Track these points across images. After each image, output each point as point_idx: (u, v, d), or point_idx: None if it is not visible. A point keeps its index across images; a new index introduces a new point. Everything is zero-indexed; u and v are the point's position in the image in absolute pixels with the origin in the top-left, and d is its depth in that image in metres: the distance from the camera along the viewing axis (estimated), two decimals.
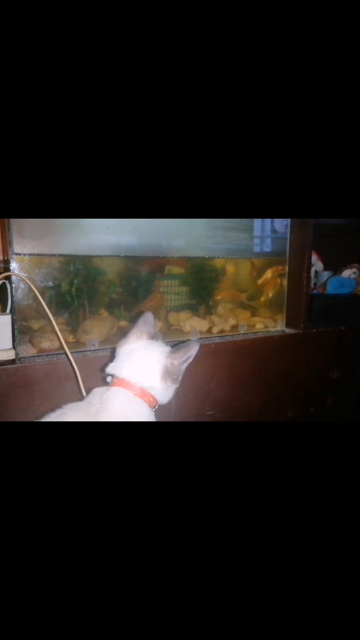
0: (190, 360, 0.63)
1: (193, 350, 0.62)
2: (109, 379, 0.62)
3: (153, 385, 0.60)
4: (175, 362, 0.62)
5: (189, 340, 0.65)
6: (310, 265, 1.13)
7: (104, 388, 0.62)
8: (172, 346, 0.65)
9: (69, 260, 0.86)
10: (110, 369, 0.62)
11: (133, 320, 0.97)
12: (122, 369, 0.60)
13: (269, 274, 1.16)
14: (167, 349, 0.63)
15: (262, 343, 1.06)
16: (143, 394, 0.59)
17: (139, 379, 0.59)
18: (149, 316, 0.67)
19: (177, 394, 0.65)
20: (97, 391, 0.61)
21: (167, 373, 0.61)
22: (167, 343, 0.66)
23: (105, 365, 0.63)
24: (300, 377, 1.15)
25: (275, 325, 1.16)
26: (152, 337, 0.66)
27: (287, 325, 1.17)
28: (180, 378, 0.64)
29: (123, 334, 0.93)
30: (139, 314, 1.00)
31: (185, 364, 0.63)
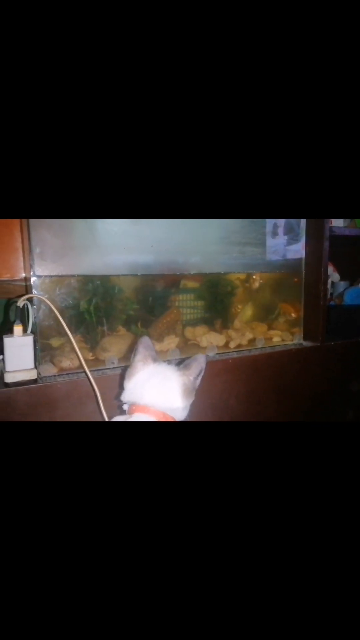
0: (202, 373, 0.64)
1: (202, 363, 0.64)
2: (125, 407, 0.63)
3: (175, 407, 0.61)
4: (191, 378, 0.63)
5: (195, 355, 0.64)
6: (327, 277, 1.12)
7: (123, 417, 0.62)
8: (178, 364, 0.66)
9: (87, 279, 0.88)
10: (128, 397, 0.62)
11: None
12: (143, 396, 0.60)
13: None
14: (176, 367, 0.64)
15: (279, 357, 1.05)
16: (165, 417, 0.60)
17: (161, 403, 0.60)
18: (147, 340, 0.66)
19: (191, 408, 0.65)
20: (118, 420, 0.62)
21: (187, 390, 0.62)
22: (169, 362, 0.66)
23: (119, 394, 0.64)
24: (320, 391, 1.13)
25: (292, 339, 1.15)
26: (155, 359, 0.65)
27: (305, 338, 1.15)
28: (195, 392, 0.65)
29: None
30: (156, 329, 1.02)
31: (200, 378, 0.64)
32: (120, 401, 0.63)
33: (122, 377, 0.66)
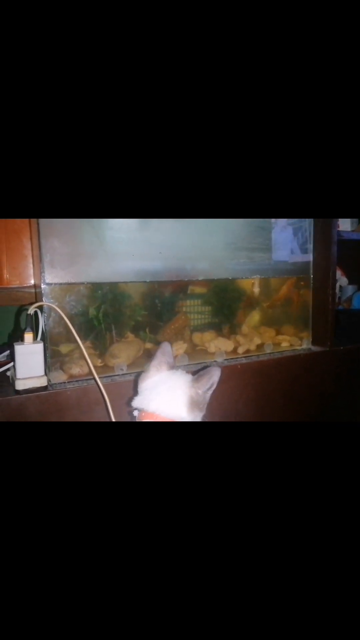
0: (214, 387, 0.63)
1: (215, 376, 0.62)
2: (135, 412, 0.63)
3: (181, 416, 0.60)
4: (200, 392, 0.61)
5: (209, 366, 0.64)
6: (335, 281, 1.12)
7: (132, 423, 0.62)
8: (194, 373, 0.65)
9: (96, 287, 0.89)
10: (137, 403, 0.62)
11: (156, 343, 0.99)
12: (150, 402, 0.60)
13: (284, 289, 1.15)
14: (189, 378, 0.64)
15: (288, 362, 1.05)
16: None
17: (167, 412, 0.60)
18: (166, 347, 0.67)
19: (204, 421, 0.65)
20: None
21: (194, 403, 0.61)
22: (187, 371, 0.66)
23: (130, 399, 0.64)
24: (330, 396, 1.12)
25: (301, 344, 1.14)
26: (172, 367, 0.65)
27: (314, 342, 1.15)
28: (205, 406, 0.64)
29: (149, 356, 0.95)
30: (164, 335, 1.02)
31: (210, 392, 0.63)
32: (131, 407, 0.63)
33: (136, 382, 0.67)
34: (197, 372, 0.65)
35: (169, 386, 0.61)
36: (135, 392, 0.65)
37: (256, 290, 1.14)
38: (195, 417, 0.62)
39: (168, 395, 0.61)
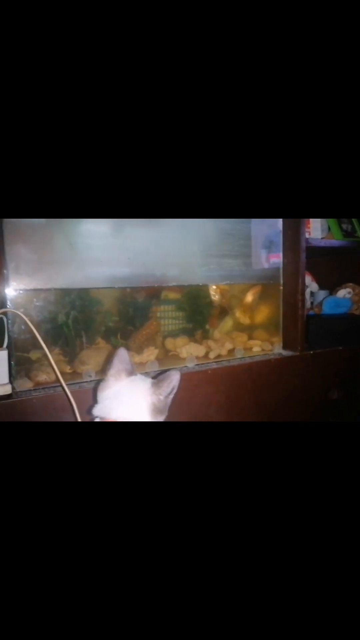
0: (174, 391, 0.63)
1: (175, 380, 0.63)
2: (97, 420, 0.62)
3: None
4: (162, 397, 0.62)
5: (168, 371, 0.64)
6: (304, 287, 1.15)
7: None
8: (154, 377, 0.65)
9: (65, 292, 0.88)
10: (98, 412, 0.61)
11: (128, 349, 0.99)
12: (111, 411, 0.60)
13: (249, 297, 1.17)
14: (150, 383, 0.64)
15: (259, 367, 1.06)
16: None
17: (129, 420, 0.60)
18: (123, 353, 0.65)
19: (171, 419, 0.65)
20: None
21: (156, 409, 0.61)
22: (147, 375, 0.66)
23: (90, 408, 0.63)
24: (300, 400, 1.14)
25: (272, 348, 1.16)
26: (131, 373, 0.65)
27: (284, 347, 1.17)
28: (167, 410, 0.64)
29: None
30: (136, 341, 1.02)
31: (171, 396, 0.63)
32: (92, 415, 0.62)
33: (95, 390, 0.66)
34: (156, 377, 0.65)
35: (130, 394, 0.61)
36: (94, 401, 0.64)
37: (228, 296, 1.15)
38: (155, 420, 0.62)
39: (130, 403, 0.61)
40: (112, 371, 0.64)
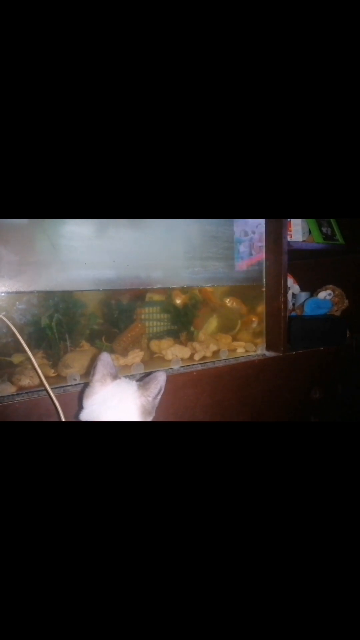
0: (162, 391, 0.64)
1: (162, 381, 0.63)
2: None
3: None
4: (150, 399, 0.62)
5: (154, 372, 0.64)
6: (286, 289, 1.17)
7: None
8: (138, 380, 0.65)
9: (49, 295, 0.87)
10: (85, 417, 0.61)
11: (112, 351, 0.98)
12: (100, 415, 0.60)
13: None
14: (136, 386, 0.64)
15: (243, 368, 1.07)
16: None
17: None
18: (106, 357, 0.64)
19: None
20: None
21: (145, 412, 0.61)
22: (131, 377, 0.66)
23: (77, 413, 0.63)
24: (283, 399, 1.16)
25: (256, 349, 1.18)
26: (115, 377, 0.65)
27: (268, 348, 1.19)
28: (154, 411, 0.64)
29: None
30: (121, 344, 1.01)
31: (159, 397, 0.64)
32: (79, 420, 0.62)
33: (81, 395, 0.66)
34: (141, 379, 0.65)
35: (119, 398, 0.61)
36: (80, 406, 0.64)
37: (212, 297, 1.16)
38: (144, 421, 0.62)
39: (119, 407, 0.60)
40: (97, 376, 0.63)
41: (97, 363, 0.64)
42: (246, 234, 1.17)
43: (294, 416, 1.19)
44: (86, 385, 0.66)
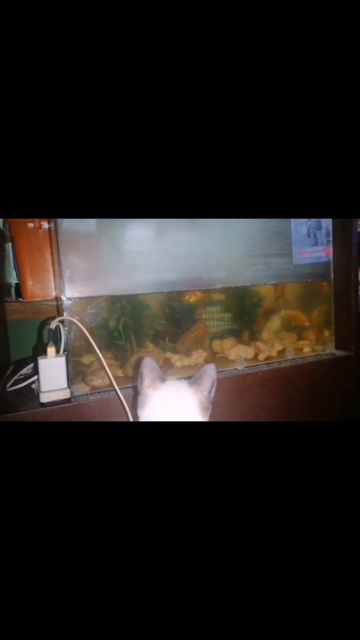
0: (215, 385, 0.62)
1: (213, 374, 0.62)
2: None
3: None
4: (205, 393, 0.61)
5: (203, 367, 0.62)
6: (357, 283, 1.09)
7: None
8: (187, 379, 0.64)
9: (115, 299, 0.90)
10: None
11: (176, 352, 0.99)
12: (162, 420, 0.59)
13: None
14: (187, 384, 0.63)
15: (311, 368, 1.02)
16: None
17: None
18: (150, 362, 0.62)
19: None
20: None
21: (203, 408, 0.61)
22: (178, 379, 0.65)
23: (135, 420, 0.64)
24: (355, 401, 1.09)
25: (324, 349, 1.11)
26: (163, 379, 0.63)
27: (337, 347, 1.12)
28: (211, 405, 0.63)
29: (169, 365, 0.96)
30: (184, 344, 1.02)
31: (213, 390, 0.62)
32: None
33: (134, 402, 0.66)
34: (189, 377, 0.64)
35: (176, 399, 0.61)
36: (134, 414, 0.64)
37: (274, 296, 1.12)
38: (205, 418, 0.62)
39: (180, 408, 0.60)
40: (147, 382, 0.62)
41: (143, 369, 0.62)
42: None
43: None
44: (136, 394, 0.65)
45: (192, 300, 1.03)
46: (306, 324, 1.15)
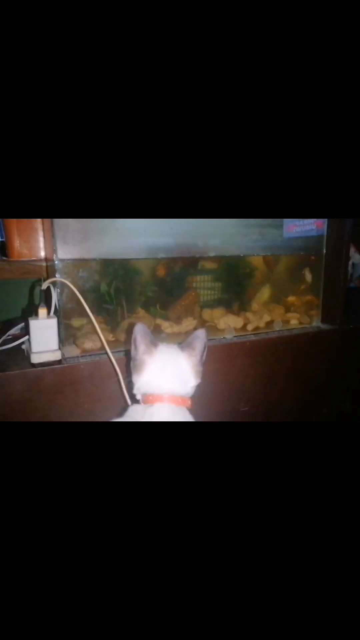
0: (206, 348, 0.64)
1: (204, 338, 0.63)
2: (139, 397, 0.64)
3: (189, 388, 0.63)
4: (198, 357, 0.63)
5: (194, 332, 0.64)
6: (347, 259, 1.10)
7: (142, 406, 0.62)
8: (179, 344, 0.66)
9: (108, 263, 0.89)
10: (144, 390, 0.62)
11: (166, 319, 1.00)
12: (161, 385, 0.61)
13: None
14: (180, 349, 0.64)
15: (297, 340, 1.05)
16: (183, 401, 0.62)
17: (179, 389, 0.61)
18: (142, 328, 0.62)
19: (208, 390, 0.67)
20: (136, 410, 0.62)
21: (197, 370, 0.63)
22: (168, 344, 0.66)
23: (131, 387, 0.65)
24: (337, 373, 1.14)
25: (310, 321, 1.14)
26: (155, 344, 0.64)
27: (323, 320, 1.15)
28: (202, 369, 0.65)
29: (159, 331, 0.96)
30: (174, 311, 1.03)
31: (205, 353, 0.64)
32: (140, 392, 0.64)
33: (127, 367, 0.67)
34: (182, 343, 0.65)
35: (174, 364, 0.62)
36: (130, 379, 0.65)
37: (266, 267, 1.13)
38: (198, 381, 0.64)
39: (177, 372, 0.62)
40: (142, 348, 0.62)
41: (136, 336, 0.62)
42: None
43: (347, 390, 1.16)
44: (129, 360, 0.66)
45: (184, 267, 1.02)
46: (293, 297, 1.17)
